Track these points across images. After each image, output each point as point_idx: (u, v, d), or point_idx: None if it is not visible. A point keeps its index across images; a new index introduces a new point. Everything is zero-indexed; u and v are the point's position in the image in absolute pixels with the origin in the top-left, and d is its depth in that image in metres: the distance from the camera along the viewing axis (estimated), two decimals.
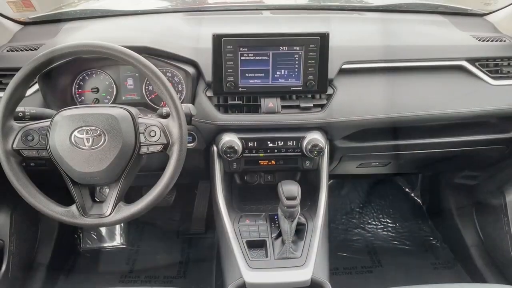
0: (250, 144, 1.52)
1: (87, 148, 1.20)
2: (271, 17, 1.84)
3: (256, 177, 1.74)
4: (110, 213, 1.24)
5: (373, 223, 2.42)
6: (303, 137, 1.52)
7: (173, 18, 1.82)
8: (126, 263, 2.20)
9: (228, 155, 1.49)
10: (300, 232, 1.47)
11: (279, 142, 1.52)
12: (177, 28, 1.67)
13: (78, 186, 1.25)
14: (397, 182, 2.61)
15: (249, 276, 1.34)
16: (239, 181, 1.76)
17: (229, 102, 1.51)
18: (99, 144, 1.20)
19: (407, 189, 2.60)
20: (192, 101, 1.53)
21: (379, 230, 2.39)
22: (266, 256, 1.41)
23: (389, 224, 2.42)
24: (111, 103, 1.62)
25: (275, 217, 1.53)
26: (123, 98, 1.64)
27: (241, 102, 1.51)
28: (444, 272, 2.14)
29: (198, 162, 1.66)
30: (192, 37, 1.59)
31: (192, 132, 1.54)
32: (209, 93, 1.51)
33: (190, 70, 1.51)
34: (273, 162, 1.59)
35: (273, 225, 1.51)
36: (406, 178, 2.62)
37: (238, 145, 1.49)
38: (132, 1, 2.30)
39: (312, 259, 1.38)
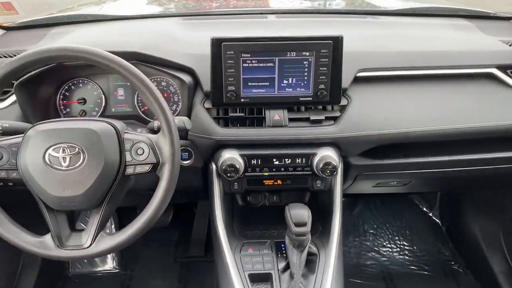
0: (253, 162, 1.35)
1: (63, 168, 1.05)
2: (277, 21, 1.68)
3: (260, 197, 1.57)
4: (90, 244, 1.08)
5: (388, 245, 2.23)
6: (314, 154, 1.34)
7: (169, 22, 1.67)
8: None
9: (228, 175, 1.31)
10: (310, 263, 1.29)
11: (286, 159, 1.35)
12: (172, 32, 1.51)
13: (53, 213, 1.09)
14: (414, 200, 2.42)
15: None
16: (241, 202, 1.58)
17: (230, 114, 1.35)
18: (78, 164, 1.04)
19: (424, 208, 2.40)
20: (189, 113, 1.37)
21: (395, 254, 2.20)
22: None
23: (405, 247, 2.23)
24: (100, 116, 1.47)
25: (282, 245, 1.35)
26: (113, 110, 1.48)
27: (243, 114, 1.35)
28: None
29: (195, 181, 1.49)
30: (189, 42, 1.43)
31: (188, 148, 1.38)
32: (208, 104, 1.35)
33: (186, 78, 1.35)
34: (279, 182, 1.42)
35: (279, 255, 1.33)
36: (423, 196, 2.43)
37: (240, 163, 1.32)
38: (132, 8, 2.15)
39: None
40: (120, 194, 1.14)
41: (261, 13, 1.78)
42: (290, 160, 1.35)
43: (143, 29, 1.57)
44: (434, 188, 2.08)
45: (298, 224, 1.21)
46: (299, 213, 1.22)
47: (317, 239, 1.39)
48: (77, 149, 1.04)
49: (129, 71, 1.04)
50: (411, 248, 2.22)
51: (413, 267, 2.13)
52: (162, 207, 1.07)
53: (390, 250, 2.21)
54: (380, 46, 1.47)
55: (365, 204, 2.35)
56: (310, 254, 1.29)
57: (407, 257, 2.18)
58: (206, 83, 1.33)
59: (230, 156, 1.32)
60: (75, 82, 1.47)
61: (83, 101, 1.47)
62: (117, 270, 2.12)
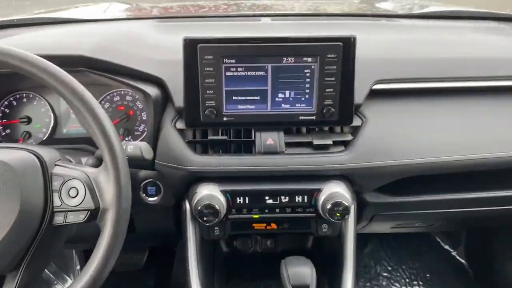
0: (239, 200, 1.03)
1: None
2: (272, 23, 1.38)
3: (250, 242, 1.24)
4: None
5: None
6: (319, 190, 1.03)
7: (139, 25, 1.36)
8: None
9: (205, 218, 0.99)
10: None
11: (282, 197, 1.04)
12: (139, 34, 1.21)
13: None
14: (434, 237, 2.08)
15: None
16: (225, 248, 1.26)
17: (209, 137, 1.04)
18: None
19: (447, 246, 2.06)
20: (156, 136, 1.05)
21: None
22: None
23: None
24: (47, 138, 1.16)
25: None
26: (65, 131, 1.19)
27: (226, 137, 1.04)
28: None
29: (166, 223, 1.17)
30: (159, 46, 1.13)
31: (156, 181, 1.06)
32: (180, 125, 1.05)
33: (152, 91, 1.04)
34: (273, 225, 1.10)
35: None
36: (445, 232, 2.09)
37: (221, 203, 1.00)
38: (104, 12, 1.85)
39: None
40: (48, 252, 0.82)
41: (254, 15, 1.48)
42: (287, 198, 1.04)
43: (102, 31, 1.26)
44: (465, 227, 1.75)
45: (298, 287, 0.88)
46: (300, 272, 0.92)
47: None
48: None
49: (50, 74, 0.73)
50: None
51: None
52: (104, 271, 0.75)
53: None
54: (401, 51, 1.16)
55: (378, 241, 2.01)
56: None
57: None
58: (179, 98, 1.03)
59: (208, 193, 1.00)
60: (17, 96, 1.18)
61: (27, 120, 1.17)
62: None
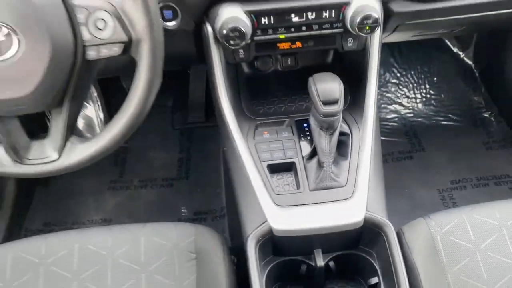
0: (264, 20, 0.98)
1: None
2: None
3: (271, 61, 1.23)
4: (59, 156, 0.80)
5: (412, 96, 1.96)
6: (347, 4, 0.97)
7: None
8: (115, 164, 1.81)
9: (232, 42, 0.96)
10: (342, 146, 1.04)
11: (309, 14, 0.99)
12: None
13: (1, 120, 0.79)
14: (445, 41, 2.06)
15: (278, 218, 0.96)
16: (247, 69, 1.26)
17: None
18: (13, 51, 0.70)
19: (456, 50, 2.07)
20: None
21: (419, 105, 1.94)
22: (298, 187, 1.00)
23: (432, 96, 1.96)
24: None
25: (304, 126, 1.09)
26: None
27: None
28: (499, 152, 1.78)
29: (186, 47, 1.14)
30: None
31: (171, 4, 0.99)
32: None
33: None
34: (298, 44, 1.08)
35: (302, 137, 1.08)
36: (457, 36, 2.07)
37: (246, 25, 0.96)
38: None
39: (364, 186, 0.99)
40: (85, 86, 0.82)
41: None
42: (314, 14, 0.99)
43: None
44: (482, 30, 1.71)
45: (327, 102, 0.91)
46: (329, 88, 0.92)
47: (346, 113, 1.12)
48: (4, 29, 0.68)
49: None
50: (438, 97, 1.95)
51: (439, 118, 1.90)
52: (146, 104, 0.77)
53: (414, 100, 1.94)
54: None
55: (388, 49, 2.01)
56: (341, 134, 1.03)
57: (433, 107, 1.93)
58: None
59: (232, 15, 0.95)
60: None
61: None
62: None
